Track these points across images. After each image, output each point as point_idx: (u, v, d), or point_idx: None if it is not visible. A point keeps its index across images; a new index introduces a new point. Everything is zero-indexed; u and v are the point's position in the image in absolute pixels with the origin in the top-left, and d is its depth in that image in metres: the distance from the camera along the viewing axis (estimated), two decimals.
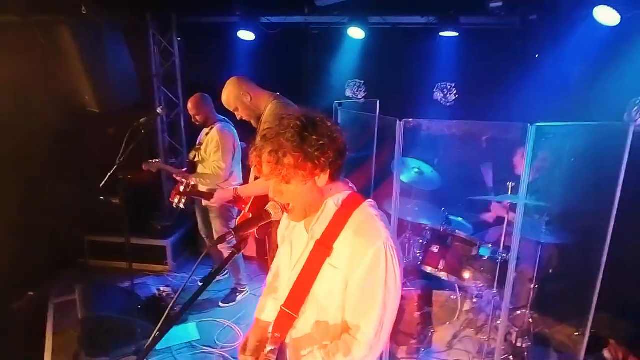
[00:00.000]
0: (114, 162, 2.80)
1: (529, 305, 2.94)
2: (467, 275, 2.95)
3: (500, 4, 3.43)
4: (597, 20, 2.90)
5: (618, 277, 2.57)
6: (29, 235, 3.59)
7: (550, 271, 3.11)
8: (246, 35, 4.30)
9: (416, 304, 3.18)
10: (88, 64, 3.37)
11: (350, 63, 4.48)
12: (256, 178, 2.83)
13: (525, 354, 2.89)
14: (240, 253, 3.60)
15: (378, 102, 3.68)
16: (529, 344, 2.93)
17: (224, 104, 2.72)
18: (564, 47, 3.42)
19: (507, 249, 2.80)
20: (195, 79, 4.61)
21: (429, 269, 3.01)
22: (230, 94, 2.67)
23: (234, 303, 3.74)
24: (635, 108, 2.99)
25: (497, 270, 2.77)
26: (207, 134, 3.50)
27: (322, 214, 1.32)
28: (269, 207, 1.29)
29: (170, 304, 1.12)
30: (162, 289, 3.71)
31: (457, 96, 4.31)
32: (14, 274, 3.43)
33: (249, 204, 2.92)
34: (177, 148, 4.96)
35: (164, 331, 1.08)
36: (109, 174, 2.74)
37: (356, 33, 4.09)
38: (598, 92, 3.15)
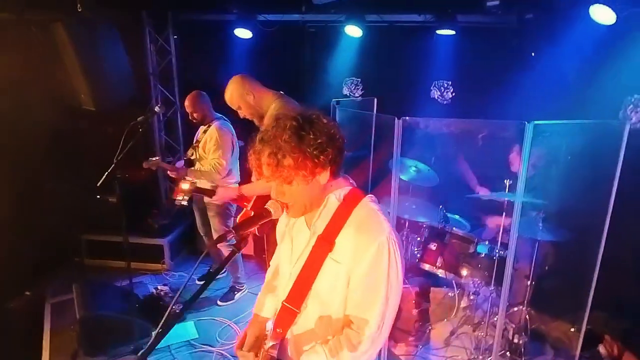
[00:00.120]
0: (110, 160, 2.79)
1: (525, 301, 2.97)
2: (464, 272, 2.97)
3: (497, 2, 3.44)
4: (593, 19, 2.92)
5: (613, 274, 2.60)
6: (25, 235, 3.57)
7: (547, 268, 3.14)
8: (243, 33, 4.29)
9: (414, 301, 3.21)
10: (84, 62, 3.35)
11: (347, 61, 4.48)
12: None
13: (522, 349, 2.91)
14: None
15: (375, 100, 3.69)
16: (526, 340, 2.96)
17: (227, 102, 2.68)
18: (560, 46, 3.43)
19: (504, 246, 2.82)
20: (192, 77, 4.61)
21: (427, 267, 3.03)
22: (233, 92, 2.63)
23: (232, 301, 3.75)
24: (631, 106, 3.03)
25: (495, 268, 2.78)
26: (204, 132, 3.49)
27: (324, 209, 1.33)
28: (269, 205, 1.30)
29: (172, 303, 1.11)
30: (160, 287, 3.71)
31: (454, 94, 4.32)
32: (10, 273, 3.42)
33: (252, 202, 2.92)
34: (174, 146, 4.95)
35: (165, 330, 1.08)
36: (106, 173, 2.73)
37: (353, 31, 4.09)
38: (594, 90, 3.17)
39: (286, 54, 4.61)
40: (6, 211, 3.36)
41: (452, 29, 3.94)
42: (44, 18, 3.42)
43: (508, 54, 3.86)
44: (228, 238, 1.20)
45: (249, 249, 4.28)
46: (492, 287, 2.84)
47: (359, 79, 4.59)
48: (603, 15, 2.82)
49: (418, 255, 3.15)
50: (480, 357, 2.89)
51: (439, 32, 4.01)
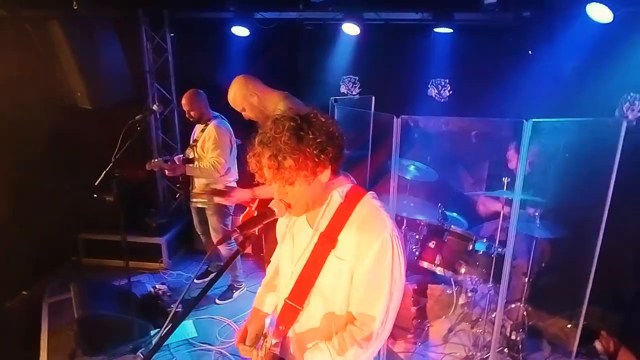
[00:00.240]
0: (107, 159, 2.77)
1: (523, 298, 2.99)
2: (463, 270, 2.98)
3: (494, 0, 3.44)
4: (590, 17, 2.93)
5: (609, 270, 2.63)
6: (22, 234, 3.55)
7: (543, 265, 3.16)
8: (240, 31, 4.27)
9: (412, 299, 3.22)
10: (80, 60, 3.32)
11: (344, 59, 4.47)
12: None
13: (520, 346, 2.93)
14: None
15: (373, 98, 3.70)
16: (523, 336, 2.98)
17: (230, 103, 2.60)
18: (557, 44, 3.45)
19: (502, 243, 2.84)
20: (189, 75, 4.57)
21: (425, 264, 3.04)
22: (237, 93, 2.55)
23: (230, 300, 3.75)
24: (627, 104, 3.05)
25: (493, 265, 2.80)
26: (202, 130, 3.48)
27: (327, 207, 1.34)
28: (273, 204, 1.30)
29: (176, 304, 1.11)
30: (158, 286, 3.71)
31: (451, 92, 4.33)
32: (7, 273, 3.40)
33: (256, 202, 2.91)
34: (170, 145, 4.93)
35: (170, 331, 1.08)
36: (104, 172, 2.72)
37: (351, 29, 4.08)
38: (590, 88, 3.19)
39: (283, 52, 4.60)
40: (2, 210, 3.33)
41: (449, 27, 3.94)
42: (39, 15, 3.39)
43: (505, 52, 3.87)
44: (233, 237, 1.20)
45: (248, 248, 4.27)
46: (490, 284, 2.86)
47: (357, 77, 4.59)
48: (600, 13, 2.83)
49: (416, 253, 3.16)
50: (479, 353, 2.91)
51: (436, 30, 4.01)
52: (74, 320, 2.96)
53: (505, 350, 2.94)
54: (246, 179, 3.13)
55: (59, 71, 3.37)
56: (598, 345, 3.10)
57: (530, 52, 3.75)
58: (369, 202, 1.33)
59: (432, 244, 3.05)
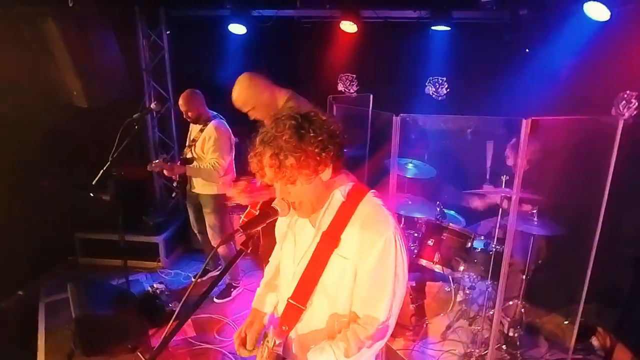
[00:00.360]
0: (103, 158, 2.75)
1: (520, 295, 3.01)
2: (461, 267, 3.00)
3: None
4: (587, 15, 2.95)
5: (606, 266, 2.65)
6: (17, 233, 3.52)
7: (540, 262, 3.18)
8: (237, 28, 4.25)
9: (411, 296, 3.23)
10: (75, 58, 3.29)
11: (342, 57, 4.46)
12: None
13: (517, 343, 2.96)
14: (233, 248, 3.65)
15: (371, 96, 3.69)
16: (521, 333, 3.00)
17: (236, 104, 2.48)
18: (553, 42, 3.47)
19: (500, 241, 2.85)
20: (186, 73, 4.55)
21: (424, 262, 3.05)
22: (246, 91, 2.44)
23: (229, 298, 3.75)
24: (623, 102, 3.06)
25: (491, 262, 2.81)
26: (200, 130, 3.46)
27: (329, 205, 1.33)
28: (276, 203, 1.30)
29: (179, 306, 1.11)
30: (155, 285, 3.69)
31: (448, 90, 4.32)
32: (3, 272, 3.37)
33: (260, 203, 2.88)
34: (167, 143, 4.91)
35: (174, 332, 1.07)
36: (102, 171, 2.70)
37: (348, 27, 4.07)
38: (587, 86, 3.21)
39: (281, 50, 4.58)
40: None
41: (446, 25, 3.95)
42: (33, 13, 3.34)
43: (502, 50, 3.88)
44: (236, 237, 1.19)
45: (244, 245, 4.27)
46: (488, 282, 2.87)
47: (354, 75, 4.57)
48: (597, 11, 2.85)
49: (415, 251, 3.17)
50: (477, 350, 2.92)
51: (433, 28, 4.01)
52: (72, 320, 2.95)
53: (503, 347, 2.96)
54: (244, 176, 3.15)
55: (54, 69, 3.34)
56: (595, 341, 3.13)
57: (527, 50, 3.76)
58: (371, 200, 1.34)
59: (430, 242, 3.06)
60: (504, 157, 3.30)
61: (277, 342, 1.39)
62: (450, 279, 3.31)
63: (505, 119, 2.89)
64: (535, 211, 2.83)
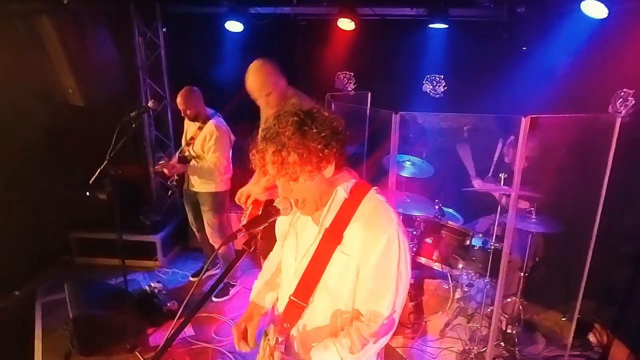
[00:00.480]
0: (99, 156, 2.72)
1: (518, 292, 3.02)
2: (460, 265, 3.00)
3: None
4: (584, 13, 2.95)
5: (603, 263, 2.66)
6: (13, 233, 3.48)
7: (537, 259, 3.20)
8: (234, 26, 4.22)
9: (409, 294, 3.23)
10: (71, 56, 3.26)
11: (339, 55, 4.45)
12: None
13: (516, 339, 2.97)
14: (232, 248, 3.64)
15: (369, 94, 3.69)
16: (519, 330, 3.02)
17: (253, 87, 2.42)
18: (551, 40, 3.47)
19: (498, 238, 2.86)
20: (182, 71, 4.52)
21: (423, 260, 3.06)
22: (265, 76, 2.39)
23: (227, 297, 3.73)
24: (620, 100, 3.07)
25: (490, 260, 2.82)
26: (199, 128, 3.44)
27: (333, 202, 1.33)
28: (278, 202, 1.29)
29: (182, 306, 1.10)
30: (153, 284, 3.66)
31: (445, 88, 4.34)
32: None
33: (263, 204, 2.86)
34: (164, 141, 4.87)
35: (177, 332, 1.06)
36: (99, 170, 2.67)
37: (345, 24, 4.06)
38: (584, 84, 3.22)
39: (278, 48, 4.55)
40: None
41: (444, 23, 3.94)
42: (27, 10, 3.30)
43: (500, 48, 3.88)
44: (239, 237, 1.18)
45: (241, 244, 4.26)
46: (487, 279, 2.88)
47: (352, 73, 4.57)
48: (594, 9, 2.85)
49: (414, 249, 3.17)
50: (475, 348, 2.93)
51: (431, 26, 4.00)
52: (69, 320, 2.93)
53: (502, 344, 2.97)
54: (242, 176, 3.14)
55: (49, 67, 3.30)
56: (592, 337, 3.15)
57: (524, 48, 3.77)
58: (374, 197, 1.33)
59: (429, 240, 3.07)
60: (502, 154, 3.31)
61: (279, 339, 1.38)
62: (449, 277, 3.32)
63: (504, 116, 2.89)
64: (532, 208, 2.84)
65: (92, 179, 2.68)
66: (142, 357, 2.92)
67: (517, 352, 2.94)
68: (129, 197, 4.25)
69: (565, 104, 3.16)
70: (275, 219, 1.31)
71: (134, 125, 2.79)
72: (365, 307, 1.30)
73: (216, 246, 3.68)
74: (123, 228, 2.88)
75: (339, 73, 4.59)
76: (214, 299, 3.69)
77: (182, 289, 3.90)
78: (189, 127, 3.56)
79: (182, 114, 3.45)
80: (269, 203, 1.29)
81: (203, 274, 1.53)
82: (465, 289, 3.32)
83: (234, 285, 3.83)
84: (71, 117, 3.69)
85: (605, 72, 3.06)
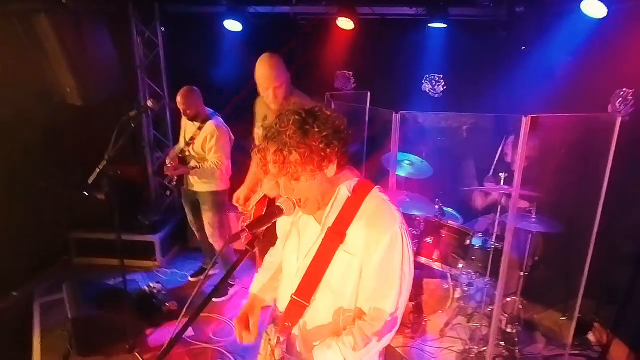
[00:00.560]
0: (98, 156, 2.70)
1: (518, 292, 3.03)
2: (460, 265, 3.00)
3: None
4: (584, 13, 2.95)
5: (602, 262, 2.67)
6: (11, 234, 3.47)
7: (536, 259, 3.20)
8: (233, 25, 4.21)
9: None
10: (69, 55, 3.24)
11: (339, 54, 4.44)
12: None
13: (516, 339, 2.97)
14: (232, 248, 3.63)
15: (369, 93, 3.68)
16: (519, 329, 3.02)
17: (267, 78, 2.50)
18: (550, 39, 3.48)
19: (498, 238, 2.86)
20: (181, 70, 4.51)
21: (423, 260, 3.05)
22: (277, 67, 2.49)
23: (226, 297, 3.72)
24: (620, 99, 3.08)
25: (490, 260, 2.82)
26: (199, 129, 3.43)
27: (335, 201, 1.32)
28: (281, 202, 1.28)
29: (184, 310, 1.09)
30: (152, 285, 3.65)
31: (445, 87, 4.34)
32: None
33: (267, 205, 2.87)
34: (163, 141, 4.86)
35: (180, 333, 1.06)
36: (98, 170, 2.66)
37: (344, 24, 4.06)
38: (584, 83, 3.22)
39: (277, 47, 4.52)
40: None
41: (443, 22, 3.94)
42: (26, 9, 3.28)
43: (499, 47, 3.88)
44: (242, 237, 1.18)
45: (240, 244, 4.25)
46: (487, 279, 2.88)
47: (351, 73, 4.57)
48: (594, 8, 2.86)
49: (414, 249, 3.16)
50: (475, 347, 2.93)
51: (430, 25, 4.00)
52: (68, 320, 2.92)
53: (502, 343, 2.97)
54: (241, 175, 3.13)
55: (48, 67, 3.29)
56: (591, 337, 3.16)
57: (523, 47, 3.77)
58: (377, 195, 1.33)
59: (429, 240, 3.06)
60: (503, 154, 3.31)
61: (281, 339, 1.38)
62: (449, 276, 3.31)
63: (505, 116, 2.89)
64: (532, 208, 2.84)
65: (91, 178, 2.66)
66: (141, 357, 2.91)
67: (517, 351, 2.94)
68: (127, 197, 4.23)
69: (564, 104, 3.16)
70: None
71: (133, 125, 2.77)
72: (369, 306, 1.30)
73: (216, 246, 3.67)
74: (122, 228, 2.87)
75: (338, 72, 4.59)
76: (213, 299, 3.67)
77: (181, 289, 3.88)
78: (188, 126, 3.55)
79: (183, 114, 3.44)
80: (272, 203, 1.28)
81: (206, 277, 1.51)
82: (465, 289, 3.32)
83: (233, 285, 3.82)
84: (70, 117, 3.68)
85: (604, 71, 3.07)
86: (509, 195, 2.84)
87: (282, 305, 1.46)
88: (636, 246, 2.94)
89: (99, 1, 3.77)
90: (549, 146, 3.01)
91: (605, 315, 3.14)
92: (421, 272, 3.59)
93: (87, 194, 2.83)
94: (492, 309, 2.93)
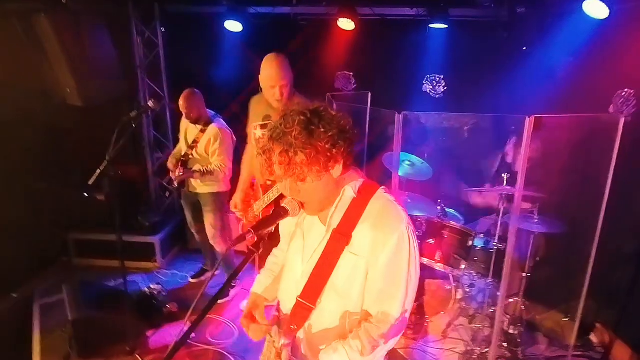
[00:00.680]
0: (98, 157, 2.69)
1: (520, 293, 3.02)
2: (462, 265, 2.99)
3: None
4: (585, 13, 2.95)
5: (604, 263, 2.66)
6: (10, 235, 3.45)
7: (538, 259, 3.19)
8: (233, 26, 4.20)
9: None
10: (69, 55, 3.23)
11: (339, 55, 4.44)
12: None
13: (518, 340, 2.96)
14: (232, 249, 3.61)
15: (370, 94, 3.67)
16: (522, 330, 3.01)
17: (276, 76, 2.53)
18: (551, 40, 3.47)
19: (500, 239, 2.85)
20: (181, 70, 4.50)
21: (425, 261, 3.04)
22: (284, 66, 2.54)
23: (227, 298, 3.71)
24: (621, 100, 3.08)
25: (493, 261, 2.82)
26: (202, 131, 3.41)
27: (340, 202, 1.31)
28: (286, 203, 1.27)
29: (188, 313, 1.08)
30: (152, 286, 3.63)
31: (445, 88, 4.33)
32: None
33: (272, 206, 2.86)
34: (162, 142, 4.84)
35: (186, 336, 1.05)
36: (98, 171, 2.64)
37: (345, 24, 4.05)
38: (585, 84, 3.22)
39: (277, 48, 4.51)
40: None
41: (444, 23, 3.94)
42: (26, 9, 3.27)
43: (500, 48, 3.88)
44: (247, 238, 1.17)
45: (242, 245, 4.23)
46: (489, 280, 2.87)
47: (351, 73, 4.56)
48: (596, 9, 2.85)
49: None
50: (478, 348, 2.92)
51: (431, 26, 4.00)
52: (68, 322, 2.90)
53: (504, 344, 2.96)
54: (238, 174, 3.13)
55: (48, 67, 3.27)
56: (593, 338, 3.15)
57: (524, 48, 3.76)
58: (383, 196, 1.32)
59: (431, 240, 3.05)
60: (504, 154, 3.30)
61: (286, 342, 1.36)
62: (451, 277, 3.30)
63: (507, 116, 2.88)
64: (534, 209, 2.83)
65: (92, 179, 2.64)
66: (141, 359, 2.89)
67: (519, 352, 2.93)
68: (127, 198, 4.21)
69: (565, 104, 3.15)
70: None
71: (134, 126, 2.76)
72: (375, 308, 1.28)
73: (217, 248, 3.66)
74: (122, 229, 2.85)
75: (339, 73, 4.58)
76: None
77: (182, 290, 3.87)
78: (189, 129, 3.52)
79: (185, 117, 3.43)
80: (278, 204, 1.27)
81: (211, 279, 1.50)
82: (467, 290, 3.30)
83: (234, 287, 3.81)
84: (70, 118, 3.66)
85: (605, 72, 3.07)
86: (509, 198, 2.83)
87: (286, 307, 1.44)
88: (638, 246, 2.93)
89: (99, 1, 3.76)
90: (551, 147, 3.00)
91: (607, 316, 3.13)
92: (423, 273, 3.56)
93: (87, 195, 2.81)
94: (494, 310, 2.92)
